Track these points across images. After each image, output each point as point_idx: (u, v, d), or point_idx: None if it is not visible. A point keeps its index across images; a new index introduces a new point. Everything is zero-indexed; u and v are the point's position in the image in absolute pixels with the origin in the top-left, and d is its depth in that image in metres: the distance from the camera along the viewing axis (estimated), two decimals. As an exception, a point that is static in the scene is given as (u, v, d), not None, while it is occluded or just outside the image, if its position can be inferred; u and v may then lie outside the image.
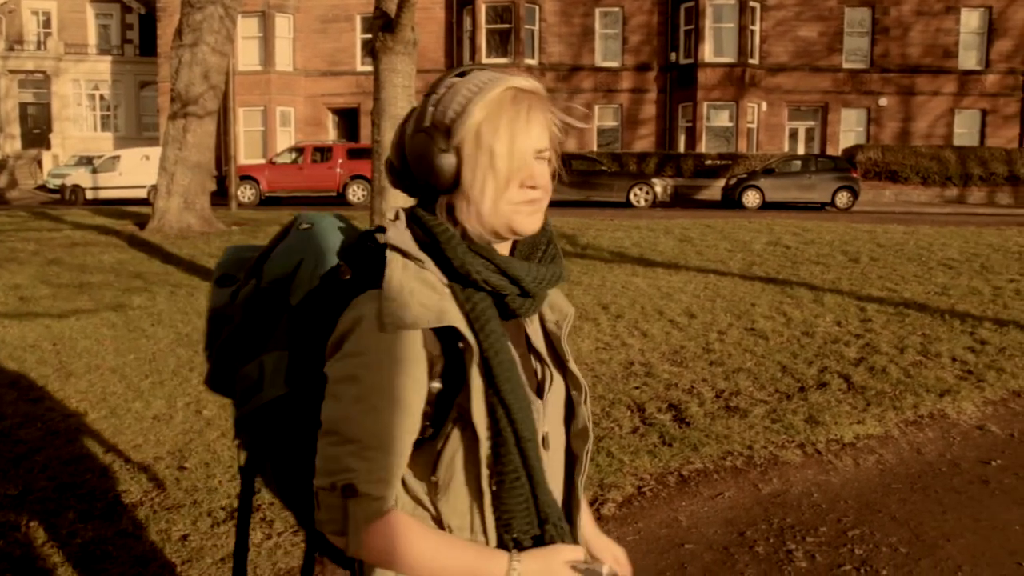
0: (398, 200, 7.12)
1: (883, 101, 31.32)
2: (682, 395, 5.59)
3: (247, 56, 30.68)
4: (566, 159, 24.22)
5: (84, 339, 7.03)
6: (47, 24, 37.22)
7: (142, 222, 14.09)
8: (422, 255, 1.16)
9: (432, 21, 31.16)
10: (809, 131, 31.78)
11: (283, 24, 31.22)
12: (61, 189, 26.82)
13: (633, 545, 3.75)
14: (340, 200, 23.74)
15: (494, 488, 1.18)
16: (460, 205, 1.17)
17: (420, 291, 1.13)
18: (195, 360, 6.35)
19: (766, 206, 23.11)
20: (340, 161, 24.07)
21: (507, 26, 29.98)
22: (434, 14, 31.16)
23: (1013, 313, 8.07)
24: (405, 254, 1.16)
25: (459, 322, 1.14)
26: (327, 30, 31.35)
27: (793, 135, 31.65)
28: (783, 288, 8.94)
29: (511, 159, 1.15)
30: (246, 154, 29.54)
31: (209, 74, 13.27)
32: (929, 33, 31.12)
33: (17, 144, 35.40)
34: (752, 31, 30.25)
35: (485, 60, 29.97)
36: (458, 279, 1.17)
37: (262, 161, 26.87)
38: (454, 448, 1.18)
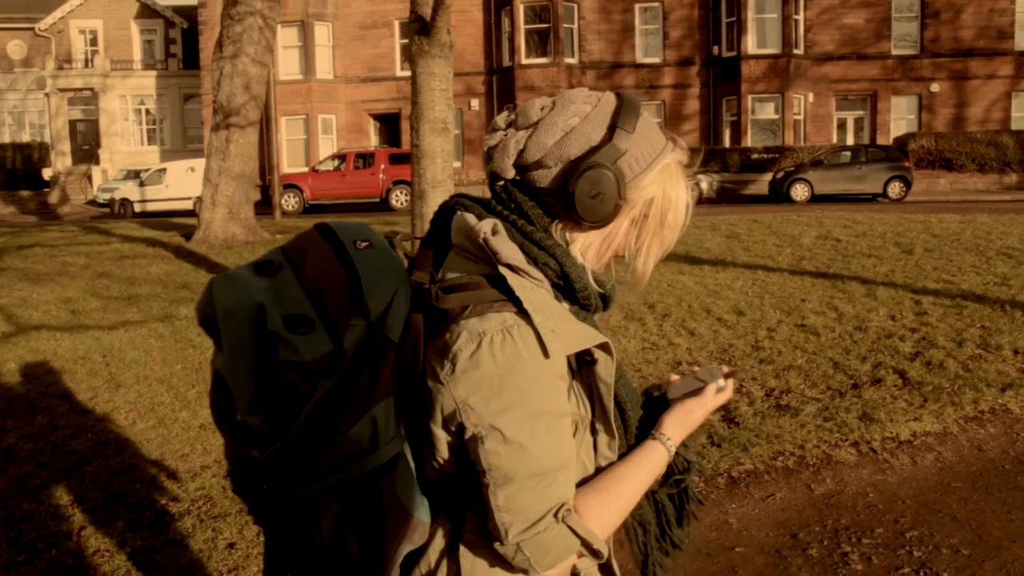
0: (437, 206, 7.08)
1: (935, 87, 30.57)
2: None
3: (288, 65, 31.05)
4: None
5: (133, 350, 7.12)
6: (94, 42, 38.09)
7: (188, 233, 14.28)
8: (537, 273, 1.16)
9: (470, 23, 31.20)
10: (858, 121, 31.15)
11: (322, 32, 31.52)
12: (110, 203, 27.41)
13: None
14: (384, 206, 23.88)
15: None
16: (592, 241, 1.21)
17: (561, 312, 1.14)
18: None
19: (815, 199, 22.68)
20: (382, 167, 24.20)
21: (546, 25, 29.88)
22: (471, 16, 31.20)
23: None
24: (519, 272, 1.14)
25: (604, 340, 1.17)
26: (366, 36, 31.57)
27: (841, 125, 31.06)
28: (834, 283, 8.72)
29: (676, 235, 1.25)
30: (289, 163, 29.89)
31: (250, 85, 13.40)
32: (982, 15, 30.31)
33: (68, 160, 36.25)
34: (796, 20, 29.75)
35: (524, 61, 29.94)
36: (569, 299, 1.19)
37: (305, 169, 27.13)
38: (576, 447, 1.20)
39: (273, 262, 1.18)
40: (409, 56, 7.08)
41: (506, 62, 30.51)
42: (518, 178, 1.21)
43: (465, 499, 1.17)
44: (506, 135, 1.22)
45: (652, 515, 1.40)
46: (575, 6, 30.31)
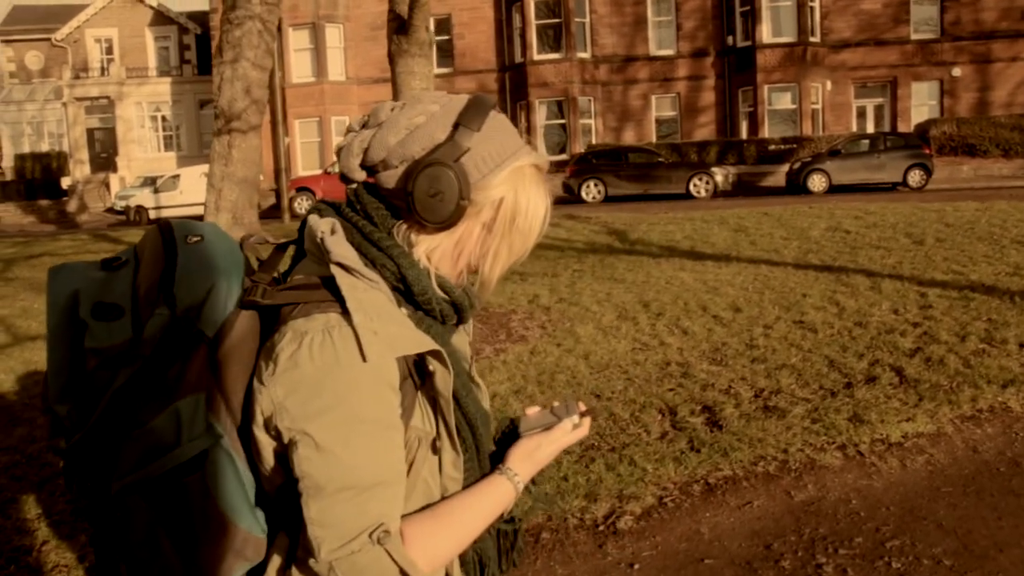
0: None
1: (956, 71, 29.98)
2: (718, 396, 5.27)
3: (300, 68, 31.07)
4: (622, 152, 24.11)
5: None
6: (109, 50, 38.33)
7: (196, 239, 14.24)
8: (373, 275, 1.11)
9: (481, 20, 31.06)
10: (878, 108, 30.62)
11: (333, 34, 31.51)
12: (126, 210, 27.55)
13: (647, 561, 3.49)
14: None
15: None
16: (439, 244, 1.16)
17: (390, 314, 1.09)
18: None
19: (833, 189, 22.29)
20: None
21: (557, 20, 29.63)
22: (483, 13, 31.05)
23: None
24: (352, 272, 1.09)
25: (433, 347, 1.11)
26: (377, 37, 31.44)
27: (861, 114, 30.54)
28: (839, 276, 8.48)
29: (528, 242, 1.19)
30: (304, 165, 29.93)
31: (251, 89, 13.29)
32: (1004, -5, 29.69)
33: (86, 169, 36.52)
34: (812, 7, 29.29)
35: (536, 56, 29.72)
36: (411, 303, 1.16)
37: (319, 172, 27.09)
38: (418, 465, 1.14)
39: (120, 258, 1.16)
40: (389, 56, 6.93)
41: (518, 58, 30.31)
42: (368, 180, 1.18)
43: (298, 514, 1.07)
44: (350, 136, 1.18)
45: (494, 551, 1.32)
46: (587, 0, 30.04)
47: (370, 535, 1.03)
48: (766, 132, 28.71)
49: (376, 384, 1.05)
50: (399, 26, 6.52)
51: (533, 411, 1.33)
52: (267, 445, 1.07)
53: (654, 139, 30.01)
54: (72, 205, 32.93)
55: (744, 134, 29.35)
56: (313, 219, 1.16)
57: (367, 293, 1.08)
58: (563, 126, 29.77)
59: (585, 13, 30.06)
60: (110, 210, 31.54)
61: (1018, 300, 7.22)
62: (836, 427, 4.68)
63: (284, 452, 1.06)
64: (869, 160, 22.93)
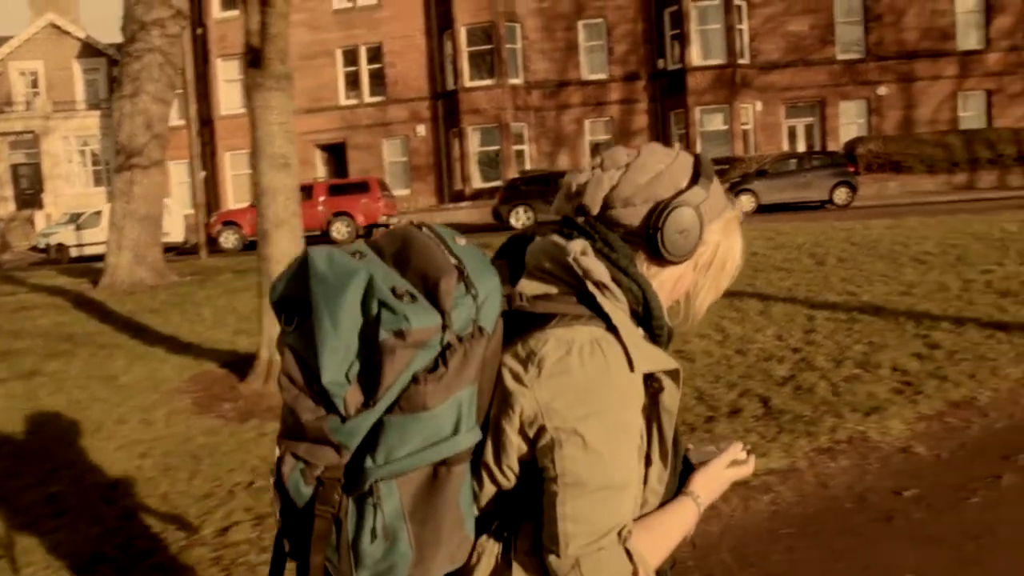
0: (281, 246, 6.65)
1: (882, 90, 30.52)
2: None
3: (230, 100, 30.60)
4: (552, 178, 24.04)
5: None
6: (35, 84, 37.38)
7: (98, 279, 13.78)
8: (621, 295, 1.20)
9: (412, 49, 30.96)
10: (808, 127, 31.03)
11: (265, 65, 31.13)
12: (47, 248, 26.77)
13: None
14: (325, 238, 23.41)
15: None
16: (665, 278, 1.26)
17: (637, 334, 1.19)
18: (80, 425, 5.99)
19: (762, 209, 22.39)
20: (322, 199, 23.75)
21: (489, 47, 29.61)
22: (414, 41, 30.95)
23: (977, 309, 7.44)
24: (604, 291, 1.19)
25: (676, 366, 1.20)
26: (308, 67, 31.18)
27: (792, 133, 30.92)
28: (731, 301, 8.33)
29: (728, 283, 1.34)
30: (236, 198, 29.41)
31: (152, 124, 12.96)
32: (924, 16, 30.32)
33: (11, 206, 35.49)
34: (740, 30, 29.65)
35: (468, 84, 29.64)
36: (643, 326, 1.24)
37: (246, 205, 26.54)
38: None
39: (359, 251, 1.18)
40: (245, 90, 6.67)
41: (450, 86, 30.21)
42: (597, 215, 1.25)
43: (516, 517, 1.17)
44: (596, 172, 1.26)
45: None
46: (517, 26, 30.09)
47: (618, 533, 1.12)
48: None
49: (634, 393, 1.15)
50: (252, 59, 6.26)
51: (695, 447, 1.39)
52: (514, 445, 1.15)
53: (586, 163, 29.98)
54: (-5, 244, 32.00)
55: (678, 156, 29.42)
56: (559, 239, 1.24)
57: (616, 312, 1.17)
58: (497, 153, 29.68)
59: (516, 39, 30.10)
60: (34, 248, 30.67)
61: (902, 320, 7.14)
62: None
63: (527, 454, 1.15)
64: (796, 179, 23.14)
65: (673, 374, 1.19)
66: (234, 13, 30.55)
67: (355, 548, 1.12)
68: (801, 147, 30.31)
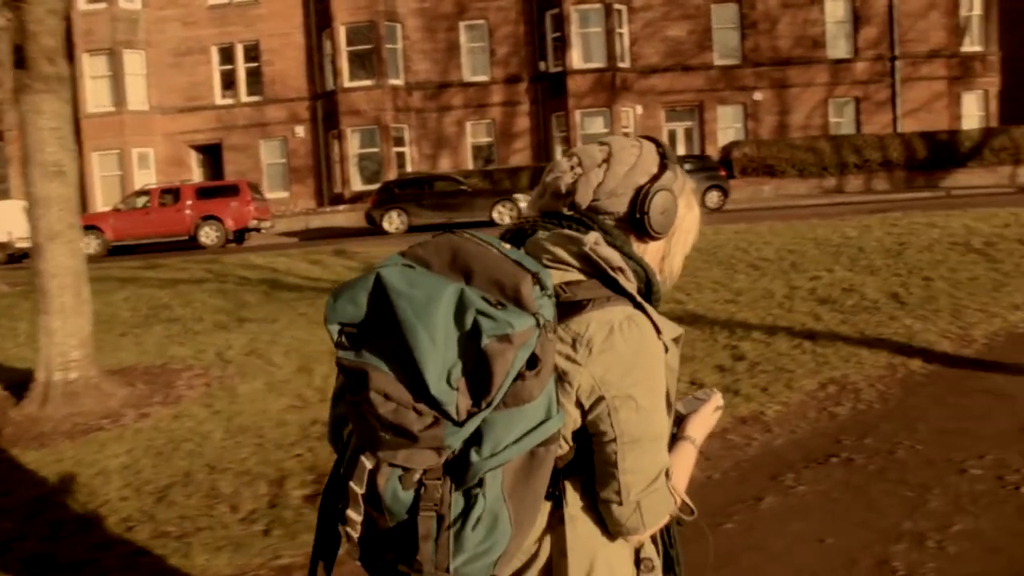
0: (57, 260, 6.15)
1: (758, 96, 31.29)
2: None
3: (97, 96, 29.18)
4: (425, 181, 23.77)
5: None
6: None
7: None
8: (633, 277, 1.37)
9: (291, 47, 30.15)
10: (688, 131, 31.56)
11: (134, 61, 29.77)
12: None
13: None
14: (192, 243, 22.51)
15: None
16: (653, 253, 1.48)
17: (651, 308, 1.38)
18: None
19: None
20: (189, 203, 22.80)
21: (368, 47, 29.04)
22: (293, 39, 30.15)
23: (793, 318, 7.50)
24: (623, 275, 1.36)
25: (681, 331, 1.42)
26: (182, 64, 30.06)
27: (672, 137, 31.38)
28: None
29: (693, 241, 1.58)
30: (105, 201, 27.99)
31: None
32: (797, 25, 31.21)
33: None
34: (620, 34, 29.90)
35: (348, 84, 29.04)
36: (646, 299, 1.40)
37: (107, 208, 25.30)
38: None
39: (409, 265, 1.26)
40: (14, 92, 6.16)
41: (330, 86, 29.53)
42: (584, 207, 1.43)
43: (561, 479, 1.33)
44: (577, 171, 1.44)
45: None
46: (398, 26, 29.63)
47: (666, 474, 1.35)
48: (581, 157, 28.94)
49: (661, 357, 1.35)
50: (18, 59, 5.77)
51: (680, 400, 1.56)
52: (572, 417, 1.31)
53: (470, 166, 29.83)
54: None
55: (560, 159, 29.50)
56: (571, 233, 1.38)
57: (633, 290, 1.35)
58: (377, 154, 29.17)
59: (397, 39, 29.64)
60: None
61: (717, 330, 7.13)
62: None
63: (581, 422, 1.32)
64: (670, 183, 23.38)
65: (677, 338, 1.40)
66: (102, 6, 29.22)
67: (458, 537, 1.19)
68: (681, 150, 30.80)
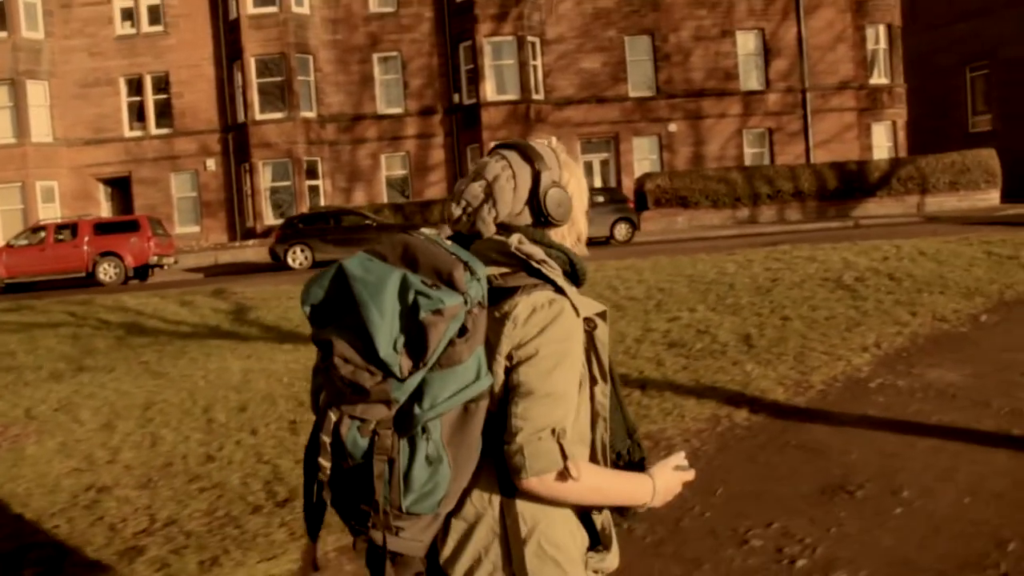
0: None
1: (672, 127, 31.66)
2: (103, 532, 4.45)
3: (-2, 128, 28.31)
4: (331, 215, 23.42)
5: None
6: None
7: None
8: (555, 265, 1.62)
9: (201, 79, 29.66)
10: (604, 163, 31.75)
11: (37, 91, 28.97)
12: None
13: None
14: (90, 280, 21.82)
15: (605, 418, 1.67)
16: (566, 233, 1.73)
17: (574, 290, 1.61)
18: None
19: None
20: (87, 239, 22.12)
21: (279, 79, 28.71)
22: (203, 71, 29.67)
23: (636, 364, 7.41)
24: (543, 265, 1.58)
25: (603, 308, 1.66)
26: (88, 95, 29.33)
27: (588, 168, 31.54)
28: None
29: (586, 196, 1.81)
30: (5, 235, 27.06)
31: None
32: (709, 57, 31.74)
33: None
34: (534, 66, 30.05)
35: (260, 116, 28.63)
36: (571, 280, 1.65)
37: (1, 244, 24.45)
38: (584, 390, 1.63)
39: (379, 255, 1.52)
40: None
41: (241, 118, 29.08)
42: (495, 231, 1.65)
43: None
44: (470, 212, 1.64)
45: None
46: (310, 58, 29.34)
47: (552, 431, 1.49)
48: (498, 188, 28.88)
49: (578, 333, 1.57)
50: None
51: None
52: (502, 366, 1.53)
53: (385, 199, 29.57)
54: None
55: (477, 190, 29.37)
56: (499, 237, 1.61)
57: (558, 277, 1.58)
58: (290, 187, 28.76)
59: (309, 71, 29.35)
60: None
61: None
62: (186, 573, 3.97)
63: (505, 379, 1.54)
64: (580, 215, 23.40)
65: (602, 315, 1.62)
66: (2, 35, 28.41)
67: (406, 477, 1.43)
68: (598, 182, 30.98)
